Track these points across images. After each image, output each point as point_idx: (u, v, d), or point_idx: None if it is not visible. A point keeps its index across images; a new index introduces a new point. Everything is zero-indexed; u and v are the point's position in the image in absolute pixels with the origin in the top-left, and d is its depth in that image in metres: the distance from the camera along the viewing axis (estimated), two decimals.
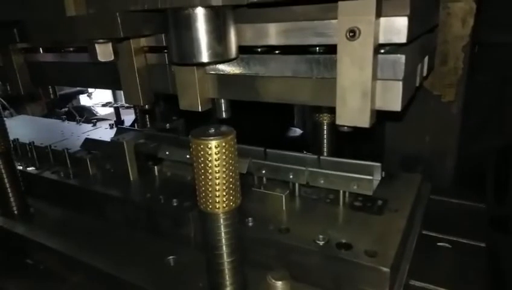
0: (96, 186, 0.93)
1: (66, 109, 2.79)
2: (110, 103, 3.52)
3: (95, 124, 1.33)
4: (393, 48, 0.47)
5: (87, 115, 2.73)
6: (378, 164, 0.74)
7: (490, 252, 0.76)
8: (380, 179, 0.74)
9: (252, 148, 0.85)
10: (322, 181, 0.76)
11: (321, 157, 0.79)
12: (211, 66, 0.59)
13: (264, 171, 0.82)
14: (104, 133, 1.24)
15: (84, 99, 3.87)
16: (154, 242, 0.79)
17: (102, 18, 0.50)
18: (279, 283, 0.52)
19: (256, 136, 0.87)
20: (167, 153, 0.92)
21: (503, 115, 1.29)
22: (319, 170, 0.77)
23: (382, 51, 0.47)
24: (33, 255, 0.88)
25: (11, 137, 0.96)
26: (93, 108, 3.39)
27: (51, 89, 0.93)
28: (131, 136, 0.97)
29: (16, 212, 0.96)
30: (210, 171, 0.52)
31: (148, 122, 1.23)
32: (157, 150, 0.94)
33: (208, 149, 0.51)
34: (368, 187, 0.73)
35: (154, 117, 1.23)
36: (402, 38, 0.45)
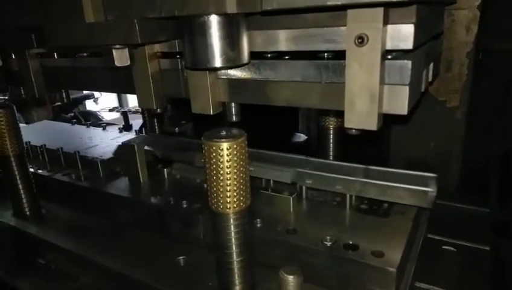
0: (107, 188, 0.95)
1: (72, 114, 2.83)
2: (116, 107, 3.56)
3: (104, 128, 1.36)
4: (400, 54, 0.49)
5: (93, 120, 2.76)
6: (434, 175, 0.71)
7: (494, 255, 0.77)
8: (436, 191, 0.70)
9: (293, 156, 0.85)
10: (374, 193, 0.74)
11: (370, 167, 0.77)
12: (223, 71, 0.61)
13: (310, 181, 0.80)
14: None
15: (90, 105, 3.91)
16: (164, 243, 0.81)
17: (121, 25, 0.53)
18: (290, 277, 0.54)
19: (262, 140, 0.88)
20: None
21: (507, 121, 1.30)
22: (371, 181, 0.74)
23: (389, 56, 0.48)
24: (45, 255, 0.90)
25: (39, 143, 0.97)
26: (99, 113, 3.42)
27: (64, 93, 0.95)
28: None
29: (28, 213, 0.98)
30: (221, 172, 0.54)
31: (156, 127, 1.25)
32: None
33: (219, 151, 0.53)
34: (424, 199, 0.70)
35: (163, 121, 1.26)
36: (409, 44, 0.46)
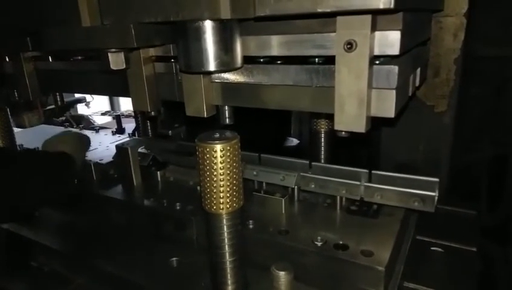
0: (101, 190, 0.96)
1: (64, 118, 2.81)
2: (108, 111, 3.55)
3: (97, 132, 1.36)
4: (388, 59, 0.50)
5: (85, 124, 2.75)
6: (436, 179, 0.71)
7: (483, 257, 0.79)
8: (437, 195, 0.70)
9: (296, 160, 0.85)
10: (378, 197, 0.74)
11: (373, 171, 0.76)
12: (217, 75, 0.62)
13: (313, 186, 0.81)
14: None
15: (81, 109, 3.88)
16: (157, 244, 0.81)
17: (117, 29, 0.54)
18: (282, 273, 0.56)
19: (254, 145, 0.90)
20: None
21: (496, 126, 1.33)
22: (375, 185, 0.75)
23: (377, 62, 0.50)
24: (37, 257, 0.90)
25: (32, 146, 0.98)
26: (90, 117, 3.40)
27: (58, 96, 0.96)
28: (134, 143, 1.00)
29: None
30: (215, 173, 0.55)
31: (149, 130, 1.26)
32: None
33: (213, 152, 0.54)
34: (430, 203, 0.70)
35: (156, 125, 1.26)
36: (395, 50, 0.48)
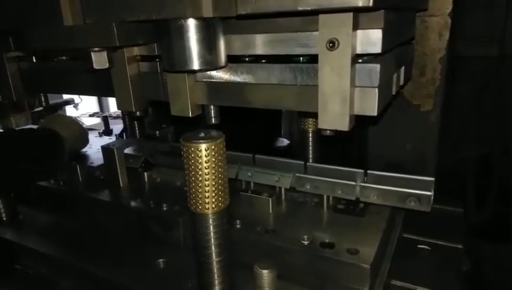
0: (87, 191, 0.95)
1: None
2: (97, 113, 3.51)
3: None
4: (370, 57, 0.51)
5: None
6: (432, 179, 0.71)
7: (470, 255, 0.79)
8: (433, 194, 0.70)
9: (292, 161, 0.84)
10: (375, 197, 0.74)
11: (368, 171, 0.76)
12: (201, 74, 0.62)
13: (308, 187, 0.80)
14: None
15: (70, 110, 3.84)
16: (144, 246, 0.81)
17: (99, 28, 0.53)
18: (265, 271, 0.56)
19: (246, 145, 0.89)
20: None
21: (482, 125, 1.35)
22: (371, 185, 0.75)
23: (360, 60, 0.50)
24: (22, 260, 0.89)
25: None
26: (79, 118, 3.36)
27: (43, 97, 0.94)
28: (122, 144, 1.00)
29: (4, 219, 0.97)
30: (200, 173, 0.54)
31: (137, 131, 1.25)
32: None
33: (198, 152, 0.54)
34: (426, 203, 0.70)
35: (143, 125, 1.25)
36: (377, 49, 0.48)
